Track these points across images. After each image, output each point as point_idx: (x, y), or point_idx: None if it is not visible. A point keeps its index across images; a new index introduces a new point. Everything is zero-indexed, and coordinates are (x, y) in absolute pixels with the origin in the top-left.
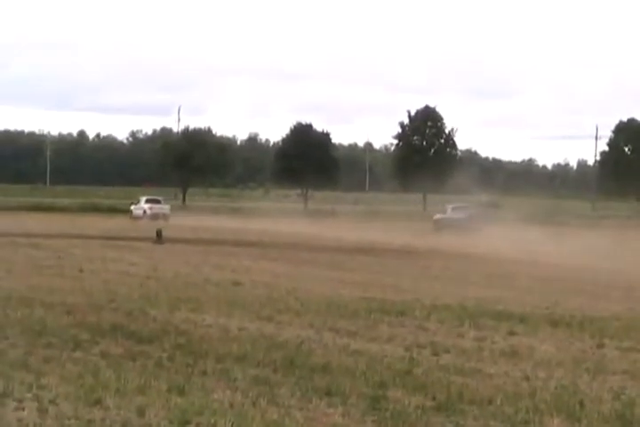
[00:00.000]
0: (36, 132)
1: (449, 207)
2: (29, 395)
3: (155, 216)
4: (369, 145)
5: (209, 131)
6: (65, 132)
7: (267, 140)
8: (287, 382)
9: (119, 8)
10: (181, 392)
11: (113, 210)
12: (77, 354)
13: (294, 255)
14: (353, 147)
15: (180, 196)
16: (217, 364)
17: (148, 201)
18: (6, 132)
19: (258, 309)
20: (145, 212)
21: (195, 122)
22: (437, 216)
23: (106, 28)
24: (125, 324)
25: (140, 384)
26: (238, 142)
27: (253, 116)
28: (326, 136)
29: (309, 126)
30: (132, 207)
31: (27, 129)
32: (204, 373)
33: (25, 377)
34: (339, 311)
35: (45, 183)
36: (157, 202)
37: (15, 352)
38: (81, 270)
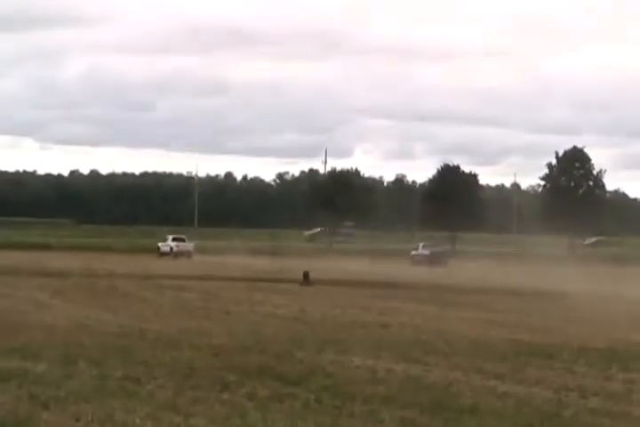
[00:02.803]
0: (184, 173)
1: (420, 245)
2: None
3: (180, 253)
4: (516, 186)
5: (355, 172)
6: (213, 173)
7: (413, 182)
8: (434, 424)
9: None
10: None
11: (256, 252)
12: (225, 396)
13: (441, 297)
14: (500, 188)
15: (327, 237)
16: (364, 405)
17: (174, 239)
18: (154, 175)
19: (405, 350)
20: (172, 249)
21: (341, 163)
22: (412, 253)
23: (253, 70)
24: (272, 366)
25: (286, 426)
26: (385, 184)
27: (398, 157)
28: (473, 177)
29: (457, 167)
30: (160, 244)
31: (175, 171)
32: (352, 414)
33: (173, 418)
34: (486, 353)
35: (193, 225)
36: (182, 240)
37: (164, 393)
38: (228, 312)
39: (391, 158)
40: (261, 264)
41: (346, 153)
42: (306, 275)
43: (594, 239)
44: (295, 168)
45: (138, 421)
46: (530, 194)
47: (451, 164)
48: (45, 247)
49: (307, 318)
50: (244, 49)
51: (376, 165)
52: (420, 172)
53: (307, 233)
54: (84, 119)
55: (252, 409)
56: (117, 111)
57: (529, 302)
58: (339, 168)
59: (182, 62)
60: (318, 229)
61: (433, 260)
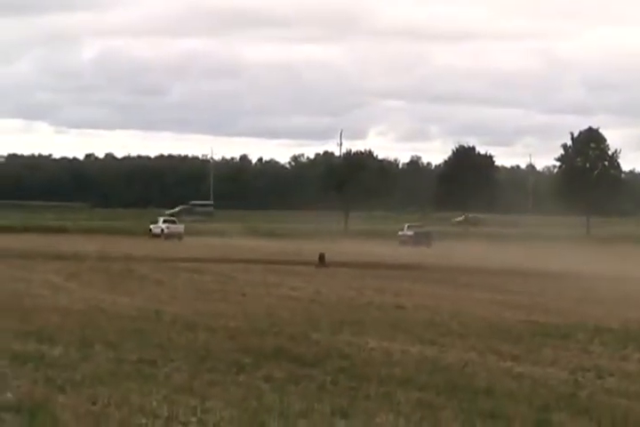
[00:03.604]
0: (199, 156)
1: (405, 226)
2: (194, 419)
3: (170, 235)
4: (531, 167)
5: (370, 154)
6: (228, 156)
7: (428, 164)
8: (450, 405)
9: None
10: (344, 415)
11: (272, 234)
12: (241, 378)
13: (454, 278)
14: (515, 169)
15: (342, 220)
16: (380, 387)
17: (165, 221)
18: (170, 157)
19: (420, 332)
20: (162, 231)
21: (355, 145)
22: (399, 233)
23: (267, 52)
24: (288, 347)
25: (302, 408)
26: (400, 166)
27: (413, 139)
28: (489, 158)
29: (472, 149)
30: (152, 226)
31: (190, 154)
32: (368, 396)
33: (189, 401)
34: (501, 335)
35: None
36: (173, 222)
37: (180, 376)
38: (244, 295)
39: (405, 140)
40: (277, 247)
41: (360, 135)
42: (321, 257)
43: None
44: (309, 150)
45: (154, 404)
46: (545, 175)
47: (466, 145)
48: (61, 231)
49: (322, 300)
50: (257, 30)
51: (390, 146)
52: (435, 153)
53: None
54: (98, 103)
55: (268, 391)
56: (131, 95)
57: (542, 283)
58: (354, 150)
59: (194, 45)
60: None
61: (417, 240)
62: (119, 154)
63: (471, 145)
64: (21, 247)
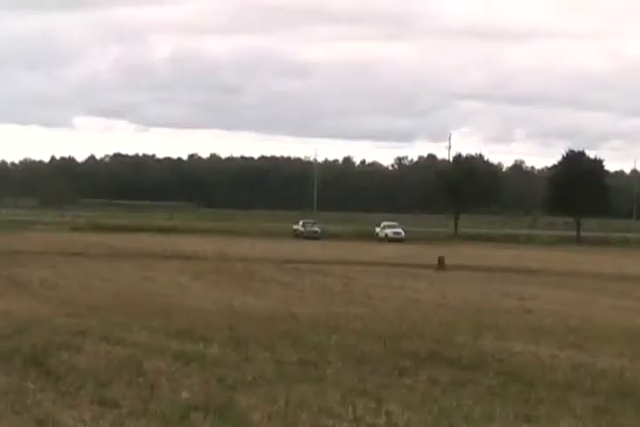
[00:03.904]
0: (302, 158)
1: (300, 222)
2: (381, 421)
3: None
4: (636, 173)
5: (480, 158)
6: (331, 158)
7: (532, 168)
8: (627, 411)
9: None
10: (528, 420)
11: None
12: (407, 381)
13: (577, 283)
14: (619, 174)
15: (452, 223)
16: (549, 392)
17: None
18: (273, 159)
19: (562, 337)
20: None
21: (439, 148)
22: (294, 227)
23: (336, 50)
24: (439, 351)
25: (484, 412)
26: (504, 169)
27: (493, 141)
28: (599, 163)
29: (582, 154)
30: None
31: (292, 155)
32: (541, 401)
33: (368, 403)
34: None
35: (312, 210)
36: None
37: (347, 378)
38: (369, 297)
39: (491, 142)
40: (391, 249)
41: (440, 137)
42: (441, 260)
43: None
44: (413, 153)
45: (336, 406)
46: None
47: (576, 150)
48: (171, 230)
49: (450, 304)
50: (323, 28)
51: (475, 148)
52: (519, 156)
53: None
54: (177, 102)
55: (439, 395)
56: (210, 93)
57: None
58: (464, 154)
59: (265, 43)
60: None
61: (308, 235)
62: (223, 154)
63: (582, 150)
64: (138, 247)
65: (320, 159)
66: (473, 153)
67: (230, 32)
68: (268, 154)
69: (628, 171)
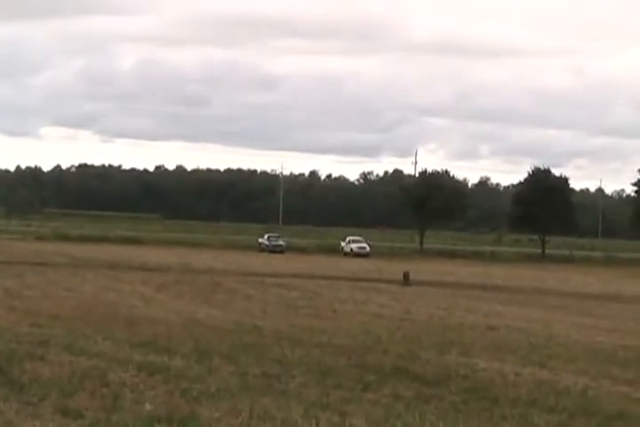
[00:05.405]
0: (268, 171)
1: (266, 236)
2: None
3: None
4: (601, 191)
5: (446, 173)
6: (297, 172)
7: (497, 184)
8: None
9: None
10: None
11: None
12: (370, 395)
13: (541, 301)
14: (584, 192)
15: (417, 239)
16: (512, 409)
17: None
18: (239, 171)
19: (525, 354)
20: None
21: (405, 163)
22: (259, 240)
23: (299, 63)
24: (403, 366)
25: None
26: (469, 186)
27: (459, 158)
28: (564, 181)
29: (547, 171)
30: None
31: (258, 168)
32: (504, 417)
33: (331, 417)
34: (607, 359)
35: (278, 223)
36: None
37: (311, 392)
38: (334, 311)
39: (452, 159)
40: (356, 264)
41: (406, 152)
42: (406, 275)
43: None
44: (359, 167)
45: (299, 419)
46: (615, 200)
47: (541, 167)
48: (136, 242)
49: (414, 318)
50: (287, 41)
51: (441, 164)
52: (485, 172)
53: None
54: (142, 113)
55: (403, 410)
56: (174, 105)
57: (627, 307)
58: (429, 170)
59: (231, 56)
60: None
61: (272, 249)
62: (189, 166)
63: (546, 167)
64: (103, 258)
65: (286, 173)
66: (439, 169)
67: (197, 44)
68: (234, 166)
69: (593, 189)
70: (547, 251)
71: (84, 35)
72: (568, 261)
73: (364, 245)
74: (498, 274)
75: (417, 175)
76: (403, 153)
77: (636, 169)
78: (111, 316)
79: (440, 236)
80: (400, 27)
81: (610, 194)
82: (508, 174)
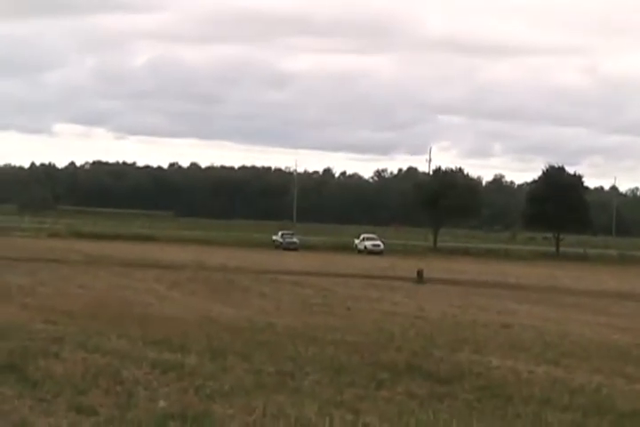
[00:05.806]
0: (283, 169)
1: (280, 233)
2: None
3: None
4: (615, 189)
5: (460, 171)
6: (311, 169)
7: (511, 182)
8: None
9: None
10: None
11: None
12: (384, 393)
13: (555, 299)
14: (599, 190)
15: (431, 237)
16: (525, 407)
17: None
18: (253, 169)
19: (539, 352)
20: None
21: (419, 161)
22: (273, 238)
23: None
24: (417, 364)
25: (461, 426)
26: (483, 183)
27: (472, 156)
28: (578, 179)
29: (562, 169)
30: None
31: (272, 166)
32: (518, 415)
33: (344, 415)
34: (622, 357)
35: (292, 220)
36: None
37: (325, 390)
38: (348, 309)
39: (465, 157)
40: (369, 261)
41: (420, 150)
42: (420, 273)
43: None
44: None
45: (313, 417)
46: (629, 198)
47: (556, 165)
48: (149, 239)
49: (427, 316)
50: (299, 39)
51: (454, 162)
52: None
53: None
54: (156, 110)
55: (417, 408)
56: (189, 103)
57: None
58: (443, 167)
59: (246, 53)
60: None
61: (286, 246)
62: (203, 164)
63: (561, 165)
64: (116, 255)
65: (300, 170)
66: (453, 167)
67: (211, 41)
68: (248, 164)
69: (607, 187)
70: (561, 249)
71: (99, 32)
72: (582, 259)
73: (378, 242)
74: (512, 272)
75: (431, 173)
76: (416, 151)
77: None
78: (125, 313)
79: (454, 234)
80: (414, 25)
81: (624, 192)
82: (522, 172)
